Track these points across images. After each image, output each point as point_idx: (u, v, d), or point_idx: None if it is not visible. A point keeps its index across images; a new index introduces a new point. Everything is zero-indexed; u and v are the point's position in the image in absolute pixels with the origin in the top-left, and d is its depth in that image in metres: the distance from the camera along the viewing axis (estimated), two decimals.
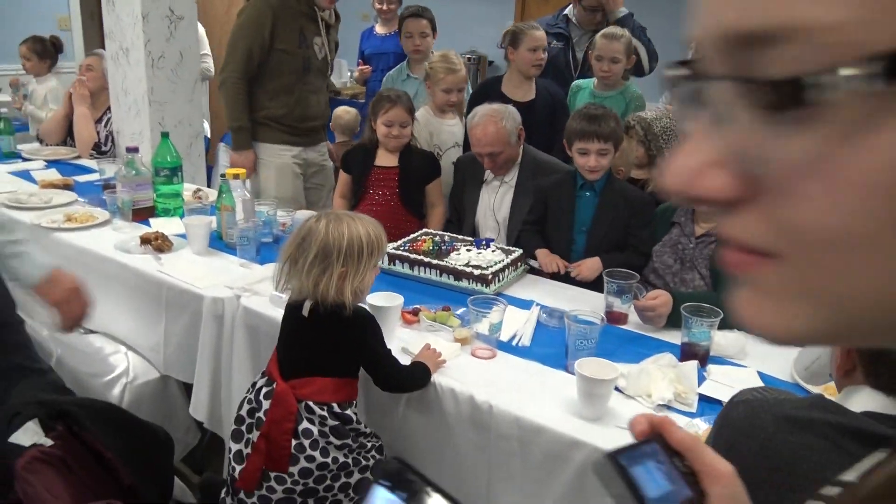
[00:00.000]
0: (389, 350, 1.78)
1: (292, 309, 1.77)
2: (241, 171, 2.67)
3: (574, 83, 3.38)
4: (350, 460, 1.74)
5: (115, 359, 2.39)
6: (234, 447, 1.75)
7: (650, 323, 2.10)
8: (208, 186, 3.78)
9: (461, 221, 2.92)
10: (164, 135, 2.93)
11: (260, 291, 2.20)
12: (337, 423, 1.71)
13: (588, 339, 1.83)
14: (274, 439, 1.70)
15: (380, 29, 4.63)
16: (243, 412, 1.78)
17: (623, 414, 1.67)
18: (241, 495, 1.72)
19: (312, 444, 1.69)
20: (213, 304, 2.18)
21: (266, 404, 1.72)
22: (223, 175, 2.65)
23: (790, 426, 1.02)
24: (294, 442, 1.69)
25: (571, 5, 3.66)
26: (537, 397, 1.72)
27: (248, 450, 1.72)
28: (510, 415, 1.67)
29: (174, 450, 1.77)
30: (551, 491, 1.63)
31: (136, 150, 2.86)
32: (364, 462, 1.77)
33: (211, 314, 2.19)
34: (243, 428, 1.75)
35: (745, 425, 1.07)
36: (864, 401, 1.01)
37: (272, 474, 1.70)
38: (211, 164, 4.50)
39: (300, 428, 1.69)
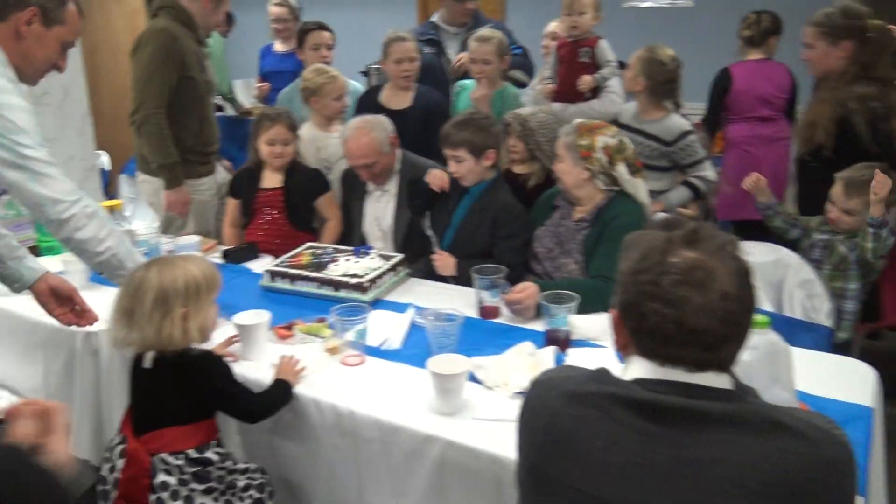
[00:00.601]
0: (240, 385, 1.77)
1: (135, 363, 1.75)
2: (117, 202, 2.66)
3: (458, 83, 3.46)
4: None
5: None
6: None
7: (520, 315, 2.16)
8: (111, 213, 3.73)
9: (352, 233, 2.96)
10: None
11: None
12: (197, 468, 1.69)
13: (448, 336, 1.88)
14: (132, 498, 1.67)
15: (279, 46, 4.62)
16: (104, 472, 1.74)
17: (481, 406, 1.72)
18: None
19: (172, 495, 1.66)
20: (87, 339, 2.17)
21: (121, 463, 1.70)
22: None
23: (570, 401, 1.08)
24: (152, 497, 1.66)
25: (440, 11, 3.74)
26: (398, 398, 1.76)
27: None
28: (371, 418, 1.71)
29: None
30: (414, 486, 1.67)
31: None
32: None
33: (86, 350, 2.18)
34: (107, 488, 1.73)
35: (536, 404, 1.13)
36: (635, 369, 1.08)
37: None
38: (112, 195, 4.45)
39: (156, 482, 1.66)
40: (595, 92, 3.19)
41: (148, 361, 1.70)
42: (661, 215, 2.81)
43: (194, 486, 1.69)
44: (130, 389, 1.78)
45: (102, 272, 2.01)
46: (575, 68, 3.16)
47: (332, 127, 3.23)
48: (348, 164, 2.81)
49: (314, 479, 1.84)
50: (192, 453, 1.70)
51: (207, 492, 1.71)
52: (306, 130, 3.18)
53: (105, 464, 1.75)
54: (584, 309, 2.00)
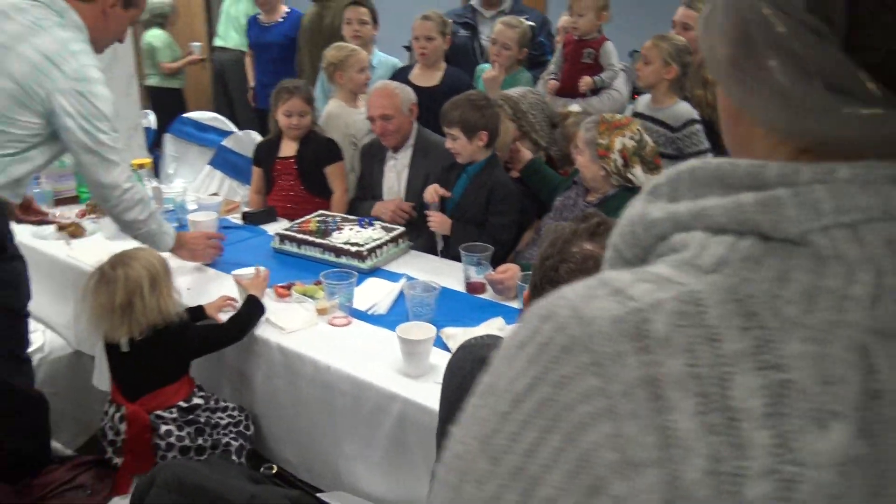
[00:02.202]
0: (210, 331, 2.06)
1: (111, 347, 1.98)
2: (146, 160, 2.87)
3: (479, 67, 3.57)
4: (209, 443, 1.98)
5: (33, 337, 2.61)
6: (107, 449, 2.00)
7: (502, 294, 2.30)
8: (157, 176, 3.99)
9: (364, 204, 3.12)
10: None
11: None
12: (190, 416, 1.97)
13: (425, 306, 2.04)
14: (138, 453, 1.94)
15: (263, 17, 4.63)
16: (109, 438, 1.99)
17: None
18: None
19: (175, 440, 1.96)
20: None
21: (123, 427, 1.95)
22: (130, 165, 2.85)
23: (482, 367, 1.22)
24: (157, 446, 1.94)
25: None
26: (374, 358, 1.94)
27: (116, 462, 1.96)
28: (345, 373, 1.89)
29: (48, 409, 1.99)
30: (379, 437, 1.85)
31: None
32: (225, 440, 2.01)
33: None
34: (105, 443, 2.00)
35: (454, 366, 1.28)
36: None
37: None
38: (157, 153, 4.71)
39: (160, 433, 1.95)
40: (596, 91, 3.26)
41: (124, 346, 1.94)
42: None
43: (188, 430, 1.96)
44: (112, 368, 2.04)
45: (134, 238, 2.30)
46: (578, 68, 3.24)
47: (358, 102, 3.38)
48: (367, 116, 2.94)
49: (296, 420, 2.04)
50: (182, 404, 1.97)
51: (198, 433, 1.98)
52: (334, 105, 3.34)
53: (108, 430, 2.00)
54: None
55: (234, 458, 1.98)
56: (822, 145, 0.44)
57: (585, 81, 3.21)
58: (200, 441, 1.97)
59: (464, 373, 1.23)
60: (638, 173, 2.40)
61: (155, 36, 5.53)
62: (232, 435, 1.99)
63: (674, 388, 0.39)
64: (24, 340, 2.24)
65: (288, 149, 3.06)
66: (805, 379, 0.39)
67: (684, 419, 0.39)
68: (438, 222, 2.66)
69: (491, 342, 1.30)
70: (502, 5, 3.80)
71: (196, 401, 1.98)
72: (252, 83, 4.93)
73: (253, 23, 4.75)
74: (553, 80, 3.32)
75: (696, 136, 3.06)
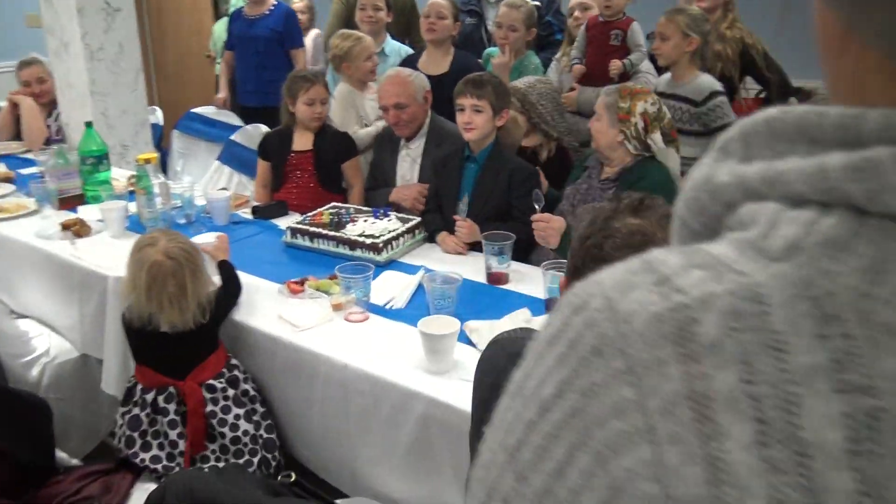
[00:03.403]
0: (224, 300, 2.06)
1: (148, 330, 1.94)
2: (152, 155, 2.77)
3: (486, 51, 3.45)
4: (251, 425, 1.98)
5: (38, 341, 2.52)
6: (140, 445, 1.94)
7: (544, 242, 2.20)
8: (164, 172, 3.89)
9: (378, 194, 3.01)
10: (88, 125, 3.03)
11: None
12: (234, 390, 1.99)
13: (446, 298, 1.92)
14: (196, 426, 1.94)
15: (248, 10, 4.44)
16: (141, 417, 1.96)
17: (472, 368, 1.75)
18: None
19: (223, 409, 1.97)
20: (117, 283, 2.29)
21: (172, 407, 1.94)
22: (136, 160, 2.75)
23: (517, 362, 1.11)
24: (211, 417, 1.96)
25: None
26: (393, 355, 1.82)
27: (173, 448, 1.94)
28: (364, 372, 1.78)
29: (51, 416, 1.90)
30: (400, 438, 1.74)
31: (60, 140, 2.97)
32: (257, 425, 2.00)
33: (115, 293, 2.30)
34: (129, 437, 1.95)
35: (486, 364, 1.16)
36: None
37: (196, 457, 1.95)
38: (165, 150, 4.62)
39: (214, 403, 1.97)
40: (623, 77, 3.13)
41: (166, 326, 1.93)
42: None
43: (230, 392, 1.99)
44: (147, 350, 1.99)
45: None
46: (606, 51, 3.11)
47: (366, 88, 3.28)
48: (380, 104, 2.81)
49: (310, 419, 1.93)
50: (226, 373, 2.00)
51: (236, 401, 1.99)
52: (343, 89, 3.23)
53: (144, 418, 1.95)
54: None
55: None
56: None
57: (616, 65, 3.08)
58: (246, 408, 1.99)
59: (497, 370, 1.12)
60: (657, 139, 2.37)
61: None
62: (259, 404, 2.01)
63: (725, 408, 0.32)
64: None
65: (304, 142, 2.95)
66: None
67: (738, 450, 0.31)
68: (468, 232, 2.47)
69: (525, 336, 1.19)
70: None
71: (236, 374, 2.02)
72: (223, 93, 4.63)
73: (237, 16, 4.52)
74: (578, 65, 3.19)
75: (721, 108, 2.94)
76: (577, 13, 3.34)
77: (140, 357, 2.02)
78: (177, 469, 1.89)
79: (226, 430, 1.96)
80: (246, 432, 1.96)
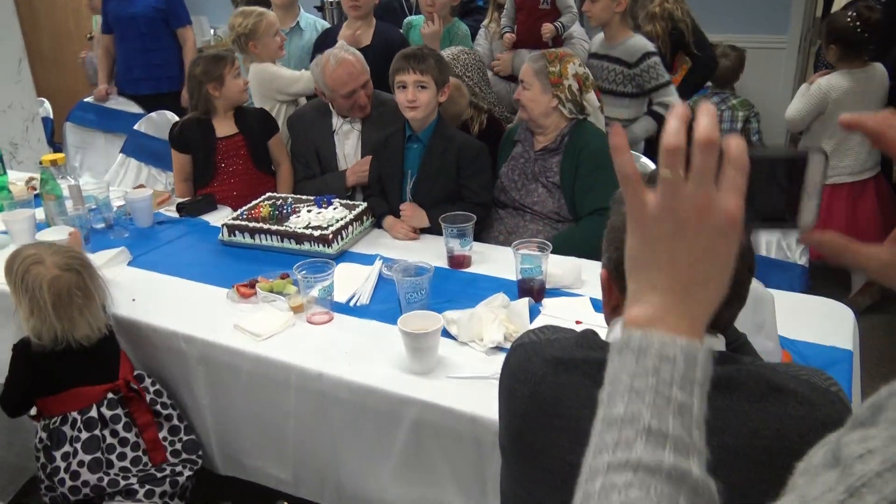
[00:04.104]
0: None
1: (61, 349, 1.79)
2: (59, 156, 2.49)
3: (406, 20, 3.30)
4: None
5: None
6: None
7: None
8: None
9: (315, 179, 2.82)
10: None
11: None
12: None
13: (419, 291, 1.80)
14: (147, 423, 1.87)
15: None
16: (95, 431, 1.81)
17: (456, 363, 1.66)
18: None
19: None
20: None
21: (121, 411, 1.84)
22: (41, 163, 2.46)
23: (556, 367, 1.01)
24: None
25: None
26: (370, 358, 1.69)
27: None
28: (341, 380, 1.64)
29: None
30: (391, 450, 1.62)
31: None
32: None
33: None
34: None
35: (518, 370, 1.06)
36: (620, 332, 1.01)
37: None
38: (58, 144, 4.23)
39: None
40: (556, 41, 3.05)
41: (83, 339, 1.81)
42: (642, 158, 2.74)
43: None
44: (67, 372, 1.83)
45: None
46: (536, 15, 3.03)
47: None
48: (339, 91, 2.58)
49: (286, 435, 1.78)
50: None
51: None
52: (260, 69, 3.01)
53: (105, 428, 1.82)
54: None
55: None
56: None
57: (548, 28, 2.99)
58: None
59: (536, 379, 1.01)
60: (592, 99, 2.38)
61: None
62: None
63: None
64: None
65: (226, 127, 2.71)
66: None
67: None
68: (411, 215, 2.35)
69: (553, 336, 1.09)
70: None
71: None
72: (103, 83, 4.14)
73: None
74: (509, 33, 3.08)
75: (655, 69, 2.92)
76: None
77: (64, 380, 1.82)
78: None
79: (169, 411, 1.92)
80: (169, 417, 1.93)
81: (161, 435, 1.89)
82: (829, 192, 3.15)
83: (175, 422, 1.92)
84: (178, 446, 1.90)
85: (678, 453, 0.50)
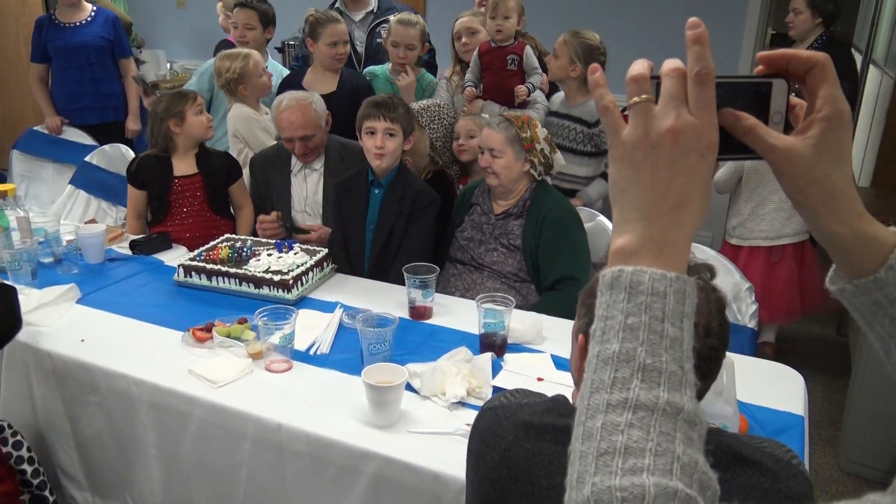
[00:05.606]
0: None
1: None
2: (10, 187, 2.41)
3: (367, 70, 3.34)
4: None
5: None
6: None
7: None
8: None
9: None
10: None
11: (34, 322, 2.00)
12: None
13: (382, 342, 1.78)
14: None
15: (62, 17, 3.96)
16: None
17: (418, 417, 1.64)
18: None
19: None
20: None
21: None
22: None
23: (526, 433, 1.01)
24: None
25: None
26: (330, 409, 1.66)
27: None
28: (300, 431, 1.60)
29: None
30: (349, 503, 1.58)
31: None
32: None
33: None
34: None
35: (488, 434, 1.05)
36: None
37: None
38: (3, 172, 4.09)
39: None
40: (525, 104, 3.12)
41: None
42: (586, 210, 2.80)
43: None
44: None
45: None
46: (503, 76, 3.09)
47: (261, 109, 3.10)
48: (283, 135, 2.63)
49: (236, 486, 1.72)
50: None
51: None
52: (241, 109, 3.01)
53: None
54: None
55: None
56: None
57: (522, 90, 3.05)
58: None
59: (506, 444, 1.01)
60: (559, 158, 2.46)
61: None
62: None
63: None
64: None
65: (185, 166, 2.68)
66: None
67: None
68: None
69: (524, 400, 1.09)
70: (370, 5, 3.55)
71: None
72: (52, 117, 4.00)
73: (47, 24, 3.94)
74: (471, 87, 3.14)
75: None
76: (464, 39, 3.24)
77: None
78: None
79: (24, 466, 1.84)
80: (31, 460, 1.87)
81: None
82: (747, 253, 3.28)
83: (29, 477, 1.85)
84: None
85: (672, 388, 0.51)
